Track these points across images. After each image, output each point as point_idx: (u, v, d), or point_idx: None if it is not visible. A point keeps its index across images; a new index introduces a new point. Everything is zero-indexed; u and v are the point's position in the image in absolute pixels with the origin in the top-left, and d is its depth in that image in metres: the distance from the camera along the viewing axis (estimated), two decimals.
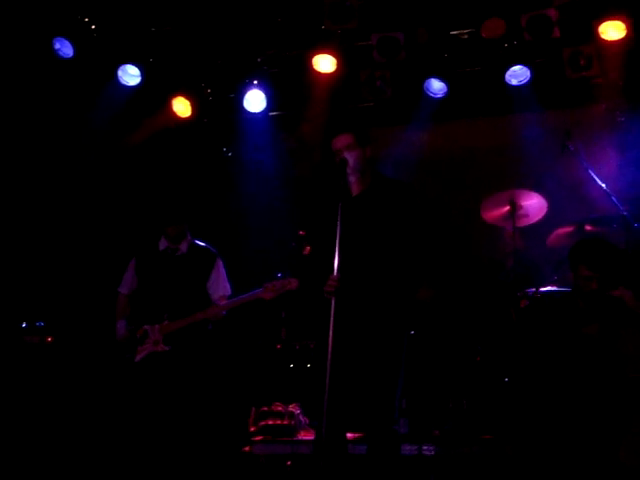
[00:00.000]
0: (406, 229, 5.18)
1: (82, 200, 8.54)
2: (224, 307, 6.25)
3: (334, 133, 5.30)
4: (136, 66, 8.52)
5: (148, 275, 6.43)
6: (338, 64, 8.42)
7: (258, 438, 7.09)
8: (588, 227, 7.26)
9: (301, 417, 7.26)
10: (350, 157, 5.20)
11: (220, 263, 6.47)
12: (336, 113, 8.74)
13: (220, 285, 6.41)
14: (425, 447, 6.67)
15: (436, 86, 8.52)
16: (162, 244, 6.44)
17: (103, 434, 7.12)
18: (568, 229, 7.39)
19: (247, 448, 7.04)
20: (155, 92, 8.83)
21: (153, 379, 6.12)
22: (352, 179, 5.25)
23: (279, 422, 7.15)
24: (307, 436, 7.06)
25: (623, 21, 7.68)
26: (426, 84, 8.51)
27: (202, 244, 6.52)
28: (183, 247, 6.41)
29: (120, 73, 8.54)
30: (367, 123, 5.76)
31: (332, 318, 4.96)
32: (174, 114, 8.92)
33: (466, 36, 8.29)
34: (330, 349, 4.90)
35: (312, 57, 8.42)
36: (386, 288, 5.12)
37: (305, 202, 7.66)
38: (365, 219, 5.19)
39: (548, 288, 7.08)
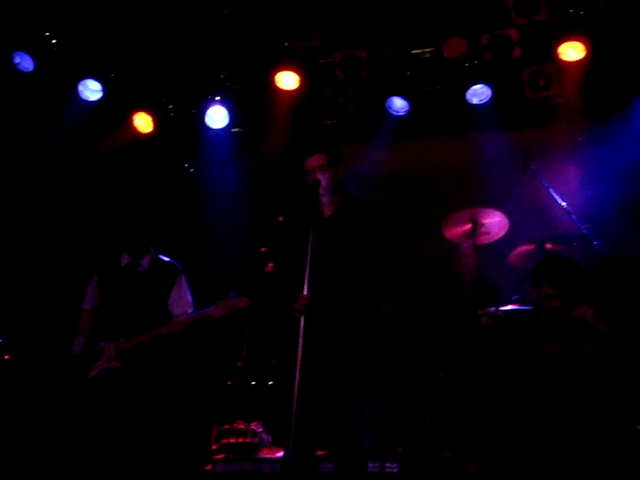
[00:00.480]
0: (375, 250, 5.21)
1: (42, 215, 8.43)
2: (177, 324, 6.12)
3: (307, 153, 5.30)
4: (97, 81, 8.47)
5: (109, 291, 6.33)
6: (300, 81, 8.45)
7: (220, 456, 7.03)
8: (549, 245, 7.31)
9: (263, 435, 7.21)
10: (323, 178, 5.22)
11: (183, 279, 6.38)
12: (300, 131, 8.75)
13: (181, 302, 6.31)
14: (388, 464, 6.67)
15: (398, 104, 8.58)
16: (124, 259, 6.35)
17: (57, 452, 6.98)
18: (529, 247, 7.45)
19: (209, 466, 6.99)
20: (116, 107, 8.78)
21: (104, 396, 5.99)
22: (325, 200, 5.27)
23: (241, 440, 7.09)
24: (270, 454, 7.03)
25: (582, 42, 7.80)
26: (388, 102, 8.57)
27: (166, 259, 6.44)
28: (145, 262, 6.32)
29: (81, 88, 8.48)
30: (332, 141, 5.75)
31: (301, 336, 4.96)
32: (135, 129, 8.86)
33: (428, 55, 8.37)
34: (299, 367, 4.89)
35: (275, 74, 8.44)
36: (356, 308, 5.15)
37: (268, 219, 7.63)
38: (337, 240, 5.21)
39: (509, 307, 7.14)
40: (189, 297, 6.38)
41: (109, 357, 6.05)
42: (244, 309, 6.01)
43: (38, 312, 8.11)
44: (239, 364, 8.12)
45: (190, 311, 6.29)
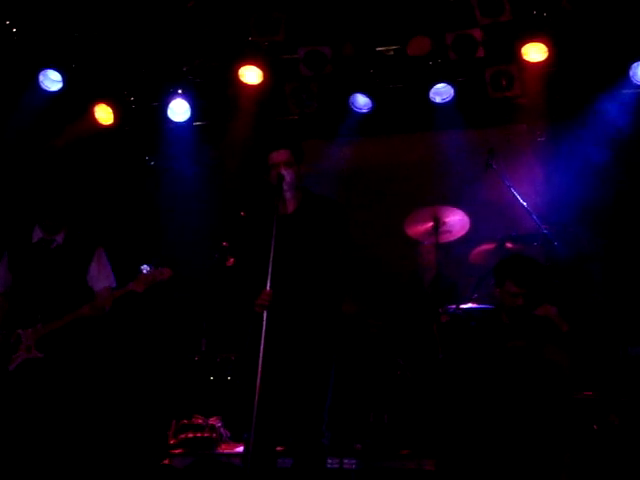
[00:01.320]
0: (335, 246, 5.21)
1: None
2: (102, 301, 5.79)
3: (271, 148, 5.27)
4: (58, 71, 8.34)
5: (21, 271, 5.90)
6: (264, 76, 8.40)
7: (178, 451, 6.99)
8: (509, 244, 7.36)
9: (222, 430, 7.19)
10: (287, 173, 5.19)
11: (102, 252, 6.04)
12: (263, 126, 8.71)
13: (101, 276, 5.95)
14: (346, 460, 6.68)
15: (361, 101, 8.58)
16: (36, 235, 5.95)
17: None
18: (489, 246, 7.49)
19: (166, 461, 6.93)
20: (77, 98, 8.66)
21: (29, 391, 5.62)
22: (288, 195, 5.24)
23: (199, 435, 7.05)
24: (228, 449, 7.00)
25: (545, 43, 7.84)
26: (351, 99, 8.56)
27: (82, 233, 6.08)
28: (59, 238, 5.94)
29: (41, 78, 8.35)
30: (297, 137, 5.73)
31: (264, 332, 4.94)
32: (96, 121, 8.75)
33: (392, 53, 8.35)
34: (261, 362, 4.88)
35: (238, 68, 8.38)
36: (317, 304, 5.14)
37: (230, 214, 7.60)
38: (299, 237, 5.19)
39: (469, 305, 7.18)
40: (110, 271, 6.03)
41: (28, 346, 5.66)
42: (166, 281, 5.79)
43: None
44: (196, 358, 8.07)
45: (113, 285, 5.97)
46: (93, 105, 8.72)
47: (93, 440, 6.07)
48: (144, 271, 5.78)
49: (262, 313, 5.00)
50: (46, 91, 8.41)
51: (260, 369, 4.88)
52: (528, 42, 7.87)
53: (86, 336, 5.90)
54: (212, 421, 7.18)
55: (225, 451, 6.98)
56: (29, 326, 5.72)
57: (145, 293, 5.79)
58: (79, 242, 6.02)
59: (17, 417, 5.63)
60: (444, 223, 7.61)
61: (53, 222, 5.92)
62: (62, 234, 5.97)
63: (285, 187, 5.21)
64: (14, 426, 5.63)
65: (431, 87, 8.34)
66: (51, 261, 5.89)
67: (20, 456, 5.62)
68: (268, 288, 4.99)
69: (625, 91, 8.08)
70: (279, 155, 5.24)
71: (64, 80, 8.39)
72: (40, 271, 5.85)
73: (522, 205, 7.29)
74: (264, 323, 4.97)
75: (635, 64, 7.82)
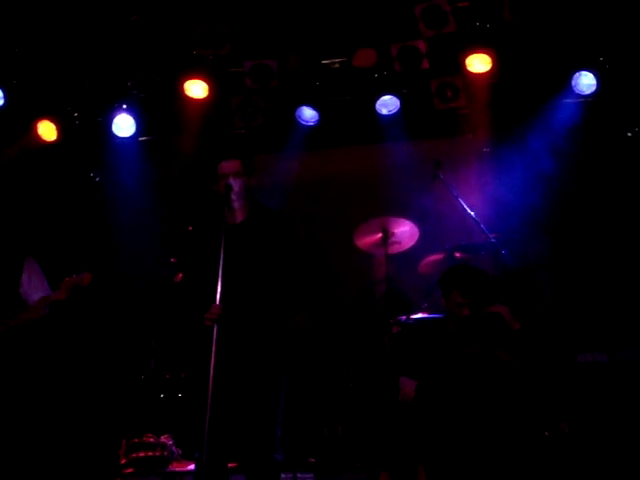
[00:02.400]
0: (285, 258, 5.19)
1: None
2: (35, 307, 5.68)
3: (221, 158, 5.24)
4: None
5: None
6: (210, 90, 8.35)
7: (129, 470, 6.90)
8: (458, 254, 7.43)
9: (174, 448, 7.11)
10: (235, 183, 5.17)
11: (31, 261, 5.94)
12: (210, 140, 8.66)
13: (33, 286, 5.85)
14: (300, 475, 6.64)
15: (307, 114, 8.57)
16: None
17: None
18: (438, 256, 7.55)
19: None
20: (19, 115, 8.51)
21: None
22: (236, 205, 5.22)
23: (151, 454, 6.98)
24: (180, 467, 6.95)
25: (488, 54, 7.91)
26: (298, 112, 8.55)
27: (9, 243, 5.99)
28: None
29: None
30: (246, 150, 5.70)
31: (214, 346, 4.89)
32: (39, 137, 8.62)
33: (337, 65, 8.39)
34: (211, 377, 4.82)
35: (183, 82, 8.32)
36: (268, 317, 5.11)
37: (177, 229, 7.54)
38: (248, 247, 5.16)
39: (419, 315, 7.20)
40: (42, 280, 5.91)
41: None
42: (87, 287, 5.70)
43: None
44: (142, 377, 7.96)
45: (47, 294, 5.80)
46: (36, 121, 8.59)
47: (41, 461, 5.94)
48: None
49: (212, 327, 4.94)
50: None
51: (211, 384, 4.83)
52: (472, 53, 7.93)
53: (23, 349, 5.78)
54: (163, 439, 7.10)
55: (177, 469, 6.91)
56: None
57: (69, 300, 5.68)
58: (6, 255, 5.90)
59: None
60: (393, 234, 7.63)
61: None
62: None
63: (233, 197, 5.18)
64: None
65: (377, 99, 8.35)
66: None
67: None
68: (218, 301, 4.94)
69: (567, 100, 8.18)
70: (229, 165, 5.22)
71: (5, 96, 8.25)
72: None
73: (469, 215, 7.36)
74: (214, 337, 4.91)
75: (577, 74, 7.95)
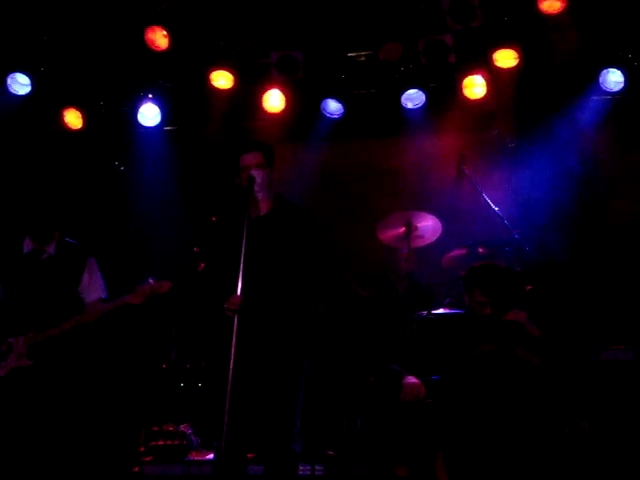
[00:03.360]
0: (306, 252, 5.21)
1: None
2: (94, 312, 5.83)
3: (243, 150, 5.24)
4: (26, 75, 8.27)
5: (12, 281, 5.91)
6: (235, 81, 8.37)
7: (148, 458, 6.92)
8: (481, 249, 7.39)
9: (193, 437, 7.13)
10: (258, 175, 5.15)
11: (93, 262, 6.05)
12: (234, 130, 8.67)
13: (93, 287, 5.98)
14: (318, 467, 6.64)
15: (333, 107, 8.57)
16: (27, 245, 5.95)
17: None
18: (461, 251, 7.51)
19: (136, 468, 6.86)
20: (46, 102, 8.57)
21: (18, 399, 5.64)
22: (259, 196, 5.19)
23: (170, 442, 6.99)
24: (199, 456, 6.96)
25: (515, 49, 7.88)
26: (323, 104, 8.55)
27: (74, 242, 6.08)
28: (50, 249, 5.93)
29: (9, 81, 8.26)
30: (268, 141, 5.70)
31: (235, 337, 4.89)
32: (65, 125, 8.68)
33: (363, 58, 8.36)
34: (232, 367, 4.83)
35: (209, 73, 8.34)
36: (288, 308, 5.13)
37: (201, 219, 7.55)
38: (272, 238, 5.16)
39: (440, 310, 7.18)
40: (101, 281, 6.05)
41: (19, 354, 5.68)
42: (165, 294, 5.80)
43: None
44: (164, 366, 7.99)
45: (104, 296, 5.99)
46: (62, 109, 8.64)
47: (70, 448, 5.99)
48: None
49: (233, 317, 4.95)
50: (14, 95, 8.32)
51: (231, 374, 4.83)
52: (499, 48, 7.89)
53: (76, 345, 5.89)
54: (183, 428, 7.13)
55: (196, 458, 6.92)
56: (21, 334, 5.73)
57: (143, 306, 5.79)
58: (70, 252, 6.01)
59: (5, 423, 5.64)
60: (416, 228, 7.62)
61: (43, 231, 5.90)
62: (53, 244, 5.96)
63: (256, 188, 5.16)
64: (2, 432, 5.64)
65: (403, 93, 8.34)
66: (42, 272, 5.89)
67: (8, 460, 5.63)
68: (239, 292, 4.94)
69: (594, 97, 8.13)
70: (250, 157, 5.22)
71: (33, 84, 8.31)
72: (31, 282, 5.86)
73: (494, 210, 7.33)
74: (235, 327, 4.92)
75: (604, 71, 7.90)
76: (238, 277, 4.96)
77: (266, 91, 8.43)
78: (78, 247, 6.09)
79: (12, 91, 8.30)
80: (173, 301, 8.19)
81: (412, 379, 5.69)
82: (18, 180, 7.89)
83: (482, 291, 5.56)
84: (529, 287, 6.97)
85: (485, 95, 8.16)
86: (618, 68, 7.82)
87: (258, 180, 5.15)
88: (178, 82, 8.68)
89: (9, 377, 5.70)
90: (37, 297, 5.83)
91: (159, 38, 7.97)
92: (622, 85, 7.87)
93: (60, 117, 8.64)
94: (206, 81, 8.38)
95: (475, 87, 8.12)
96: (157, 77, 8.59)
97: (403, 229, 7.62)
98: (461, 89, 8.16)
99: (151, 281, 5.80)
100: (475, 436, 5.15)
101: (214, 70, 8.32)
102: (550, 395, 5.21)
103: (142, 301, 5.76)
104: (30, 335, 5.72)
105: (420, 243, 7.72)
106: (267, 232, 5.16)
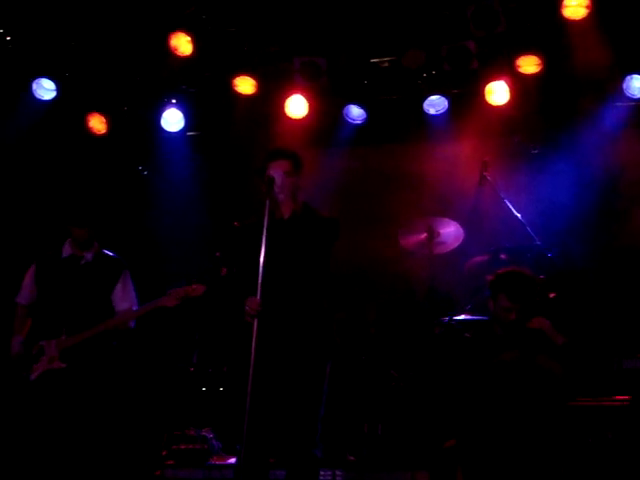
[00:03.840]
0: (326, 257, 5.20)
1: None
2: (126, 317, 5.97)
3: (271, 158, 5.25)
4: (51, 80, 8.34)
5: (48, 284, 6.04)
6: (258, 86, 8.40)
7: (170, 462, 6.96)
8: (503, 256, 7.36)
9: (214, 442, 7.16)
10: (278, 176, 5.14)
11: (127, 275, 6.19)
12: (258, 136, 8.69)
13: (126, 297, 6.11)
14: (339, 472, 6.65)
15: (355, 112, 8.59)
16: (66, 250, 6.08)
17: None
18: (483, 258, 7.50)
19: (158, 472, 6.90)
20: (70, 107, 8.65)
21: (50, 400, 5.74)
22: (281, 198, 5.19)
23: (191, 446, 7.03)
24: (220, 461, 7.00)
25: (538, 56, 7.87)
26: (345, 110, 8.58)
27: (110, 254, 6.23)
28: (89, 256, 6.07)
29: (35, 86, 8.33)
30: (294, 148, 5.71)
31: (254, 341, 4.91)
32: (89, 130, 8.75)
33: (386, 64, 8.37)
34: (252, 372, 4.85)
35: (233, 78, 8.38)
36: (308, 312, 5.11)
37: (223, 224, 7.57)
38: (294, 241, 5.16)
39: (462, 316, 7.17)
40: (133, 293, 6.18)
41: (52, 357, 5.79)
42: (199, 297, 5.89)
43: None
44: (191, 369, 8.03)
45: (134, 308, 6.10)
46: (87, 114, 8.71)
47: (96, 449, 6.05)
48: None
49: (252, 322, 4.97)
50: (40, 100, 8.40)
51: (251, 379, 4.85)
52: (522, 54, 7.89)
53: (108, 349, 6.03)
54: (204, 432, 7.16)
55: (217, 462, 6.95)
56: (53, 338, 5.83)
57: (177, 309, 5.88)
58: (107, 262, 6.16)
59: (36, 425, 5.74)
60: (438, 234, 7.58)
61: (83, 233, 6.01)
62: (92, 252, 6.11)
63: (277, 189, 5.16)
64: (33, 433, 5.74)
65: (425, 99, 8.35)
66: (78, 277, 6.02)
67: (37, 461, 5.73)
68: (258, 296, 4.96)
69: (618, 103, 8.10)
70: (278, 165, 5.22)
71: (58, 89, 8.38)
72: (67, 286, 5.98)
73: (516, 217, 7.32)
74: (254, 332, 4.93)
75: (629, 77, 7.88)
76: (258, 281, 4.97)
77: (289, 97, 8.45)
78: (115, 258, 6.23)
79: (37, 96, 8.37)
80: (204, 305, 8.29)
81: None
82: (51, 184, 7.99)
83: (508, 296, 5.53)
84: (552, 294, 6.94)
85: (508, 101, 8.15)
86: None
87: (278, 181, 5.16)
88: (201, 87, 8.75)
89: (41, 380, 5.81)
90: (71, 301, 5.94)
91: (183, 44, 8.01)
92: None
93: (85, 122, 8.71)
94: (229, 86, 8.43)
95: (498, 93, 8.12)
96: (181, 82, 8.66)
97: (425, 235, 7.59)
98: (483, 95, 8.15)
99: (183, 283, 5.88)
100: (494, 441, 5.15)
101: (237, 76, 8.37)
102: (569, 404, 5.19)
103: (176, 304, 5.86)
104: (62, 338, 5.83)
105: (442, 249, 7.67)
106: (288, 235, 5.16)
